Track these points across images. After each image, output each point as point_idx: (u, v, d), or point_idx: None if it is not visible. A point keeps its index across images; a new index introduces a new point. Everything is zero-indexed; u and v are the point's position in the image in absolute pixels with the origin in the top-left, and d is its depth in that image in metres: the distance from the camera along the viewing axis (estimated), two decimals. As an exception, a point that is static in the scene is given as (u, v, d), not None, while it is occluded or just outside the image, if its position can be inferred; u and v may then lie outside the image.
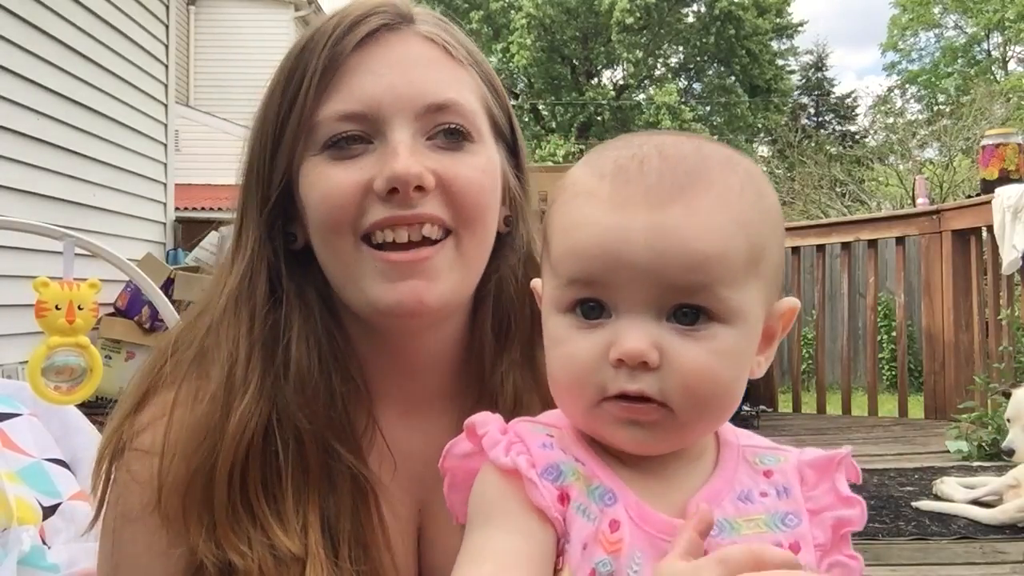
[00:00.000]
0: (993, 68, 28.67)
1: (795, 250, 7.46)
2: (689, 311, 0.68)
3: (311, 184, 0.92)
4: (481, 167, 0.94)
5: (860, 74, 63.59)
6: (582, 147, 25.27)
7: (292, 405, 0.92)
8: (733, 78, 28.68)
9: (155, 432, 0.94)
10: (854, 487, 0.75)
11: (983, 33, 28.91)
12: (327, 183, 0.91)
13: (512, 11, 27.77)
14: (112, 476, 0.96)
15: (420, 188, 0.89)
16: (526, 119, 27.88)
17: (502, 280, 1.01)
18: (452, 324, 1.00)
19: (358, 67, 0.92)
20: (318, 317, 0.96)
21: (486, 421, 0.73)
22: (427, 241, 0.90)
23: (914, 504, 3.85)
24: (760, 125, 27.99)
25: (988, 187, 5.77)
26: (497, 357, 1.00)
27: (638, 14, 26.96)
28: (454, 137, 0.93)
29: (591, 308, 0.70)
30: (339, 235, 0.91)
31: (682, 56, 30.54)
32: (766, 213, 0.72)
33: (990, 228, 5.54)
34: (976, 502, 3.73)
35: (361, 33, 0.92)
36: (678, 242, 0.66)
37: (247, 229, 0.97)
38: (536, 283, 0.83)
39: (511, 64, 26.96)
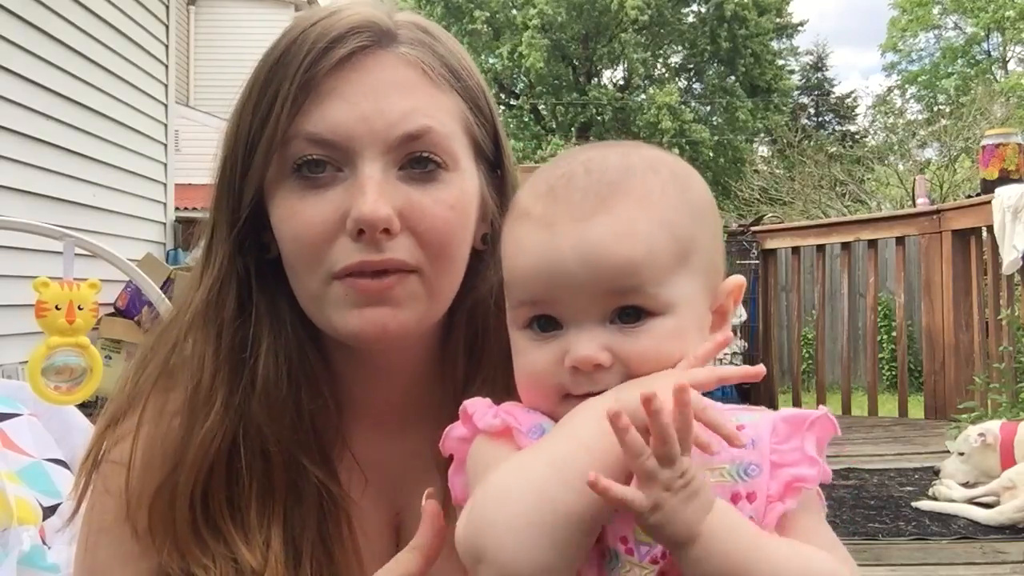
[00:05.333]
0: (993, 68, 28.68)
1: (795, 250, 7.46)
2: (630, 311, 0.74)
3: (283, 218, 0.91)
4: (451, 201, 0.92)
5: (865, 73, 63.73)
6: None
7: (259, 421, 0.92)
8: (733, 78, 28.67)
9: (127, 445, 0.95)
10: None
11: (983, 33, 28.90)
12: (298, 220, 0.89)
13: (514, 10, 27.75)
14: (90, 486, 0.97)
15: (386, 231, 0.87)
16: (526, 119, 27.83)
17: (477, 299, 1.00)
18: (424, 341, 0.99)
19: (332, 92, 0.90)
20: (290, 331, 0.94)
21: (477, 403, 0.78)
22: (393, 272, 0.89)
23: (914, 504, 3.86)
24: (760, 125, 27.96)
25: (988, 187, 5.77)
26: (471, 374, 1.00)
27: (649, 12, 26.92)
28: (425, 166, 0.91)
29: (544, 322, 0.76)
30: (310, 272, 0.90)
31: (682, 56, 30.54)
32: (692, 208, 0.79)
33: (990, 228, 5.55)
34: (974, 502, 3.74)
35: (337, 56, 0.90)
36: (603, 251, 0.73)
37: (217, 243, 0.95)
38: None
39: (523, 63, 26.83)
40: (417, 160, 0.91)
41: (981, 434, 3.97)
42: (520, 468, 0.70)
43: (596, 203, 0.75)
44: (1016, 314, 5.63)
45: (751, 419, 0.77)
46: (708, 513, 0.66)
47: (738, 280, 0.82)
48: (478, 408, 0.77)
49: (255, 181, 0.92)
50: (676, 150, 25.52)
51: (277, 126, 0.89)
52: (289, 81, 0.89)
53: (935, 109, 24.35)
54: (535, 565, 0.66)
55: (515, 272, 0.78)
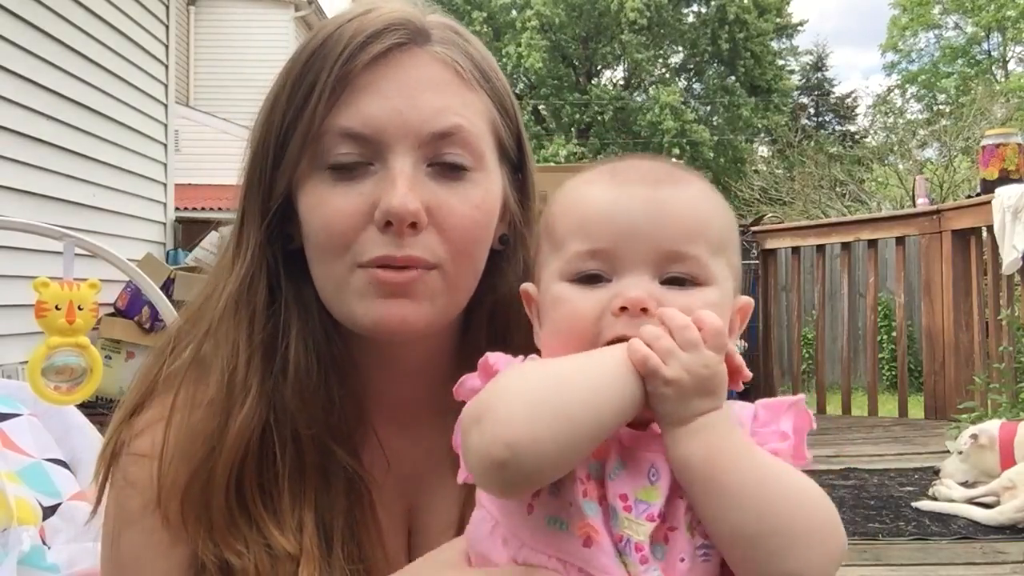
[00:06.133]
0: (993, 68, 28.67)
1: (795, 250, 7.46)
2: (677, 279, 0.78)
3: (312, 206, 0.92)
4: (477, 201, 0.94)
5: (866, 73, 63.88)
6: (583, 147, 25.28)
7: (290, 407, 0.93)
8: (734, 78, 28.67)
9: (153, 436, 0.95)
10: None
11: (983, 33, 28.90)
12: (327, 209, 0.91)
13: (514, 11, 27.75)
14: (110, 479, 0.97)
15: (413, 225, 0.89)
16: (527, 120, 27.81)
17: (498, 298, 1.01)
18: (444, 336, 1.00)
19: (368, 87, 0.91)
20: (317, 319, 0.96)
21: (499, 355, 0.80)
22: (416, 264, 0.90)
23: (914, 504, 3.86)
24: (760, 125, 27.96)
25: (988, 187, 5.77)
26: None
27: (648, 14, 26.93)
28: (453, 165, 0.92)
29: (591, 278, 0.79)
30: (336, 259, 0.91)
31: (682, 56, 30.53)
32: (729, 215, 0.85)
33: (990, 228, 5.55)
34: (974, 502, 3.74)
35: (374, 51, 0.91)
36: (670, 212, 0.78)
37: (247, 233, 0.96)
38: (527, 286, 0.87)
39: (523, 63, 26.84)
40: (446, 158, 0.92)
41: (973, 435, 3.96)
42: (544, 362, 0.76)
43: (663, 176, 0.81)
44: (1016, 314, 5.63)
45: (731, 409, 0.81)
46: (715, 411, 0.72)
47: (747, 299, 0.84)
48: (500, 358, 0.79)
49: (288, 173, 0.93)
50: (676, 150, 25.58)
51: (312, 120, 0.91)
52: (326, 74, 0.91)
53: (935, 109, 24.35)
54: (526, 434, 0.67)
55: (579, 220, 0.80)
